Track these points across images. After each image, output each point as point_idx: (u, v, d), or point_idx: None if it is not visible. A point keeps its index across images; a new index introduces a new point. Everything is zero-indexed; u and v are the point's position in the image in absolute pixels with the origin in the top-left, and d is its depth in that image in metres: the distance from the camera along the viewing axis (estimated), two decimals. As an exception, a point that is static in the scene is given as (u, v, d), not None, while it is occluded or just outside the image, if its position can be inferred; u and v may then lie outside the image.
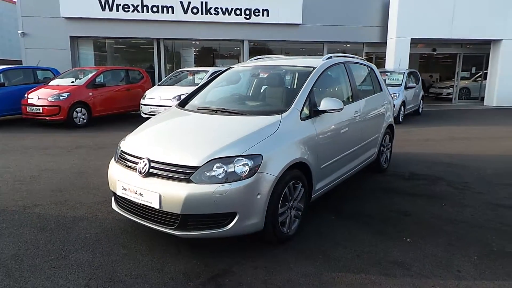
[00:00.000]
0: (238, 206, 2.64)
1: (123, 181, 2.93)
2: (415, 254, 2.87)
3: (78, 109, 8.83)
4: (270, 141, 2.88)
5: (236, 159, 2.68)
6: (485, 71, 16.10)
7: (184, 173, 2.67)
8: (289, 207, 3.02)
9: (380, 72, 7.35)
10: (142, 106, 9.49)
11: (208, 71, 10.05)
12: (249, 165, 2.66)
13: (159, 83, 10.53)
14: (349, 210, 3.80)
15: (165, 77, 13.67)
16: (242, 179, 2.63)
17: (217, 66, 13.41)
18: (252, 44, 14.45)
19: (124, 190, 2.91)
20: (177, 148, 2.89)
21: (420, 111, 11.85)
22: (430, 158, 6.06)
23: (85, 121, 9.00)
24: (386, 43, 14.44)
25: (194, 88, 9.20)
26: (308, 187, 3.25)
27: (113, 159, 3.32)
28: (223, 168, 2.65)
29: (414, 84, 10.50)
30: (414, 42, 13.99)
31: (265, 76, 4.03)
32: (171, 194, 2.63)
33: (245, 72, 4.33)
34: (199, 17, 13.11)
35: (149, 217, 2.82)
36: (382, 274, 2.59)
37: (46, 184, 4.57)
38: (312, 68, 3.70)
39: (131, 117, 10.68)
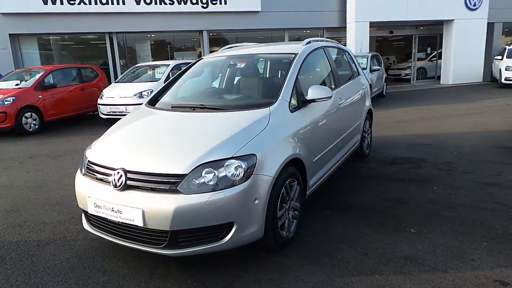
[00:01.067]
0: (235, 215, 2.32)
1: (95, 197, 2.50)
2: (423, 246, 2.71)
3: (28, 114, 7.98)
4: (262, 138, 2.57)
5: (227, 162, 2.35)
6: (439, 51, 16.70)
7: (169, 183, 2.30)
8: (287, 209, 2.74)
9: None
10: (100, 106, 8.78)
11: (169, 64, 9.50)
12: (243, 167, 2.34)
13: (116, 81, 9.80)
14: (341, 203, 3.60)
15: (121, 73, 12.87)
16: (237, 184, 2.31)
17: (177, 59, 12.78)
18: (211, 34, 13.92)
19: (97, 208, 2.49)
20: (157, 154, 2.50)
21: (384, 93, 12.02)
22: (406, 140, 6.04)
23: (36, 127, 8.17)
24: (345, 27, 14.49)
25: (155, 83, 8.75)
26: (303, 184, 2.99)
27: (79, 171, 2.86)
28: (213, 174, 2.31)
29: (379, 67, 10.59)
30: (373, 25, 14.14)
31: (242, 66, 3.69)
32: (156, 208, 2.26)
33: (219, 63, 3.96)
34: (153, 8, 12.36)
35: (131, 236, 2.43)
36: (397, 273, 2.39)
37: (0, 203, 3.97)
38: (293, 55, 3.42)
39: (89, 119, 9.93)
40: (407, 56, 18.27)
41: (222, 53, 3.98)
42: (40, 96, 8.28)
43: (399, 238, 2.84)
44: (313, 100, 3.11)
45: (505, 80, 12.60)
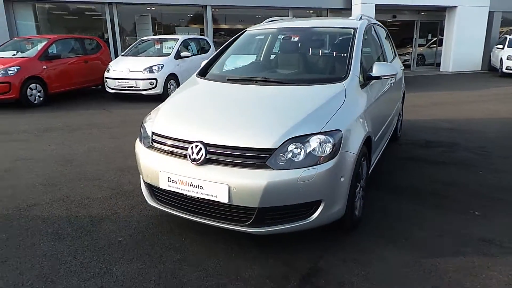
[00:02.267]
0: (323, 192, 2.23)
1: (169, 171, 2.35)
2: (495, 228, 2.70)
3: (33, 86, 7.57)
4: (342, 114, 2.46)
5: (314, 137, 2.24)
6: (439, 38, 16.73)
7: (258, 158, 2.18)
8: (360, 187, 2.67)
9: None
10: (107, 80, 8.43)
11: (178, 39, 9.16)
12: (331, 142, 2.24)
13: (122, 54, 9.40)
14: (390, 184, 3.56)
15: (121, 46, 12.40)
16: (325, 161, 2.21)
17: (178, 34, 12.34)
18: (213, 10, 13.48)
19: (171, 183, 2.35)
20: (239, 127, 2.36)
21: (389, 78, 11.97)
22: (430, 124, 6.05)
23: (41, 99, 7.78)
24: (350, 9, 14.27)
25: (166, 58, 8.45)
26: (368, 163, 2.92)
27: (139, 143, 2.70)
28: (301, 149, 2.20)
29: (389, 51, 10.49)
30: (377, 8, 13.97)
31: (297, 39, 3.52)
32: (245, 184, 2.14)
33: (268, 35, 3.77)
34: (156, -21, 11.82)
35: (211, 213, 2.31)
36: (480, 254, 2.37)
37: (31, 177, 3.75)
38: (352, 29, 3.28)
39: (93, 94, 9.54)
40: (401, 42, 18.23)
41: (270, 25, 3.79)
42: (45, 67, 7.85)
43: (467, 220, 2.82)
44: (378, 77, 3.00)
45: (506, 69, 12.76)
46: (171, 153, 2.43)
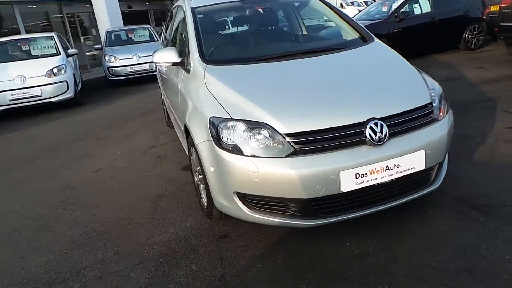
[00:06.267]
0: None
1: (354, 166, 1.90)
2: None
3: None
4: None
5: (433, 88, 2.38)
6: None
7: (426, 114, 2.16)
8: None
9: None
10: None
11: (52, 36, 6.94)
12: (441, 92, 2.43)
13: None
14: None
15: None
16: (446, 107, 2.39)
17: None
18: None
19: (361, 178, 1.94)
20: (388, 93, 2.21)
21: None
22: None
23: None
24: (90, 1, 12.86)
25: (59, 57, 6.85)
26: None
27: (260, 162, 1.91)
28: (435, 99, 2.30)
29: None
30: (120, -1, 13.29)
31: (275, 11, 3.21)
32: (435, 141, 2.11)
33: (234, 10, 3.19)
34: None
35: (399, 191, 2.11)
36: None
37: None
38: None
39: None
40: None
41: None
42: None
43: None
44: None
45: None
46: (334, 147, 1.93)
